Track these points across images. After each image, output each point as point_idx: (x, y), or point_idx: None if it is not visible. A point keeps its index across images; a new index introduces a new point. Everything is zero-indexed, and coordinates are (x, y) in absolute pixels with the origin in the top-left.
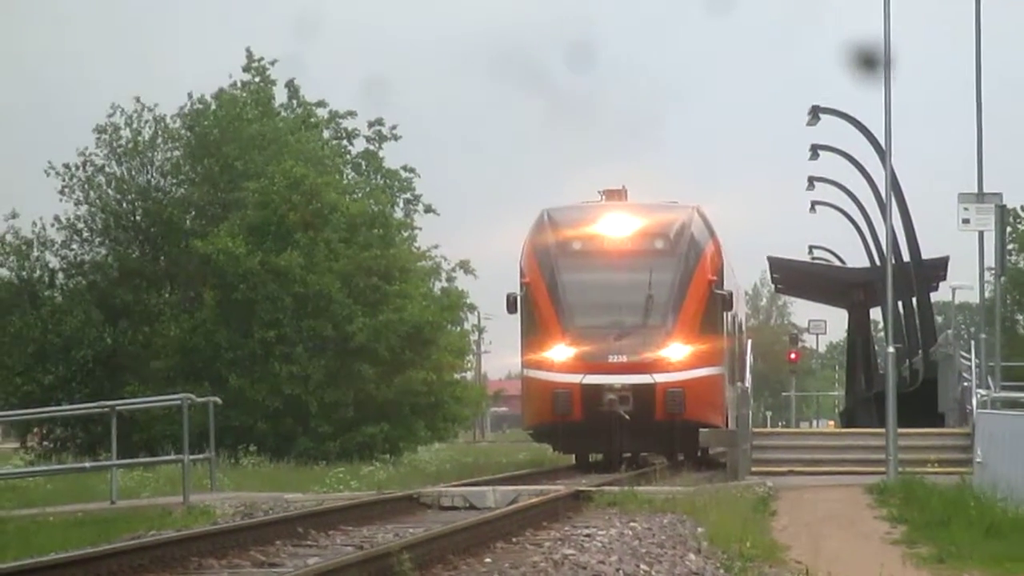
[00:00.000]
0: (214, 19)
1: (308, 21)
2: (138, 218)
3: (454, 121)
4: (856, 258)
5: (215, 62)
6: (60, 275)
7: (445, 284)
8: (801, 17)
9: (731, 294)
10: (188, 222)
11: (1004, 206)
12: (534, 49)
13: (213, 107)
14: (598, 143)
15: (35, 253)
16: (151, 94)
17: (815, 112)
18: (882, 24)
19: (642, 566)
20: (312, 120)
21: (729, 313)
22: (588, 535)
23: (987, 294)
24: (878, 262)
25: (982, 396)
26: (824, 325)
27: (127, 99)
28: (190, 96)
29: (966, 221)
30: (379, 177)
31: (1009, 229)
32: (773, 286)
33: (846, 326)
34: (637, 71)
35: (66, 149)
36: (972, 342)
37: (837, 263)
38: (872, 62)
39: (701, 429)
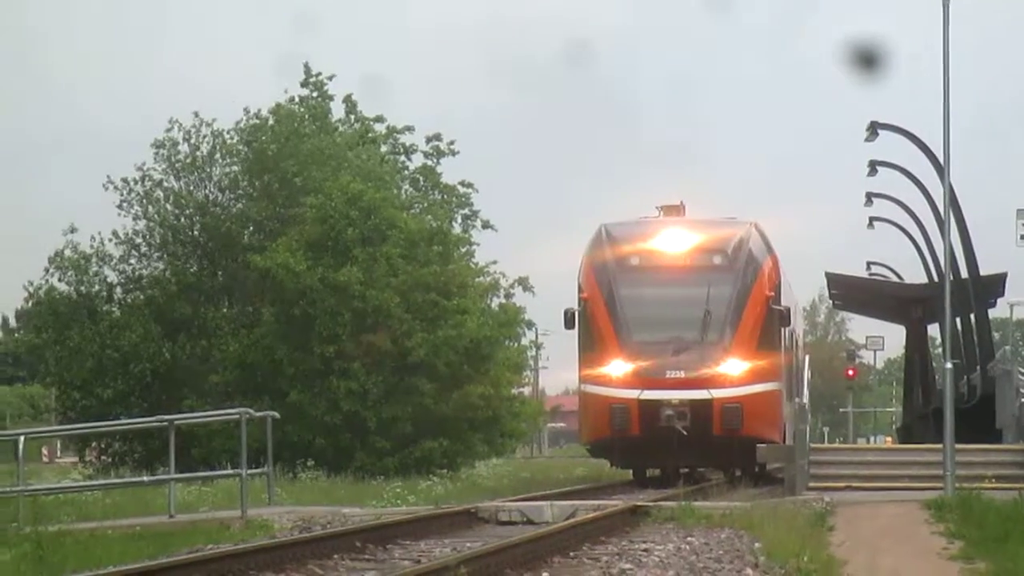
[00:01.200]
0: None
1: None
2: (196, 233)
3: (512, 138)
4: (914, 274)
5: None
6: (118, 290)
7: (503, 300)
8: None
9: (789, 309)
10: (246, 237)
11: None
12: (592, 65)
13: (271, 122)
14: (655, 160)
15: (93, 268)
16: (204, 107)
17: (873, 128)
18: (941, 43)
19: None
20: (370, 135)
21: (787, 328)
22: (646, 550)
23: None
24: (936, 278)
25: None
26: (882, 341)
27: (185, 114)
28: (247, 111)
29: None
30: (437, 192)
31: None
32: (831, 302)
33: (904, 342)
34: (692, 88)
35: (124, 164)
36: None
37: (895, 279)
38: (871, 60)
39: (759, 445)
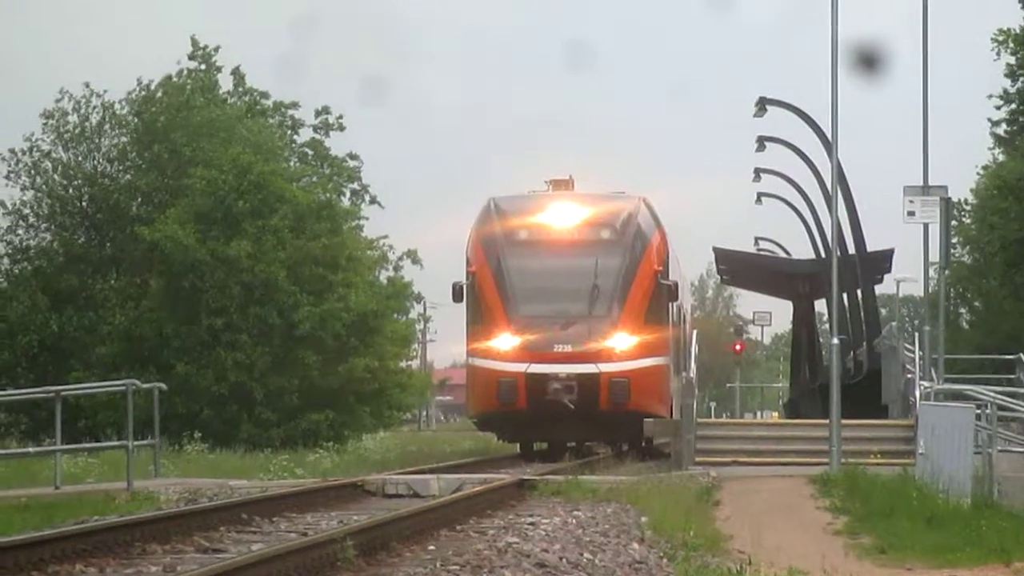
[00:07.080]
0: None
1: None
2: (84, 204)
3: (402, 109)
4: (802, 250)
5: (164, 49)
6: (5, 260)
7: (392, 273)
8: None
9: (677, 284)
10: (134, 208)
11: (949, 199)
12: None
13: (160, 94)
14: (546, 133)
15: None
16: (101, 81)
17: (762, 103)
18: (829, 16)
19: (585, 554)
20: (258, 107)
21: (675, 303)
22: (532, 523)
23: (931, 287)
24: (823, 254)
25: (925, 388)
26: (769, 316)
27: (76, 84)
28: (138, 82)
29: (911, 213)
30: (325, 166)
31: (954, 222)
32: (719, 277)
33: (791, 317)
34: (587, 58)
35: (11, 134)
36: (916, 334)
37: (783, 255)
38: (871, 61)
39: (646, 419)
